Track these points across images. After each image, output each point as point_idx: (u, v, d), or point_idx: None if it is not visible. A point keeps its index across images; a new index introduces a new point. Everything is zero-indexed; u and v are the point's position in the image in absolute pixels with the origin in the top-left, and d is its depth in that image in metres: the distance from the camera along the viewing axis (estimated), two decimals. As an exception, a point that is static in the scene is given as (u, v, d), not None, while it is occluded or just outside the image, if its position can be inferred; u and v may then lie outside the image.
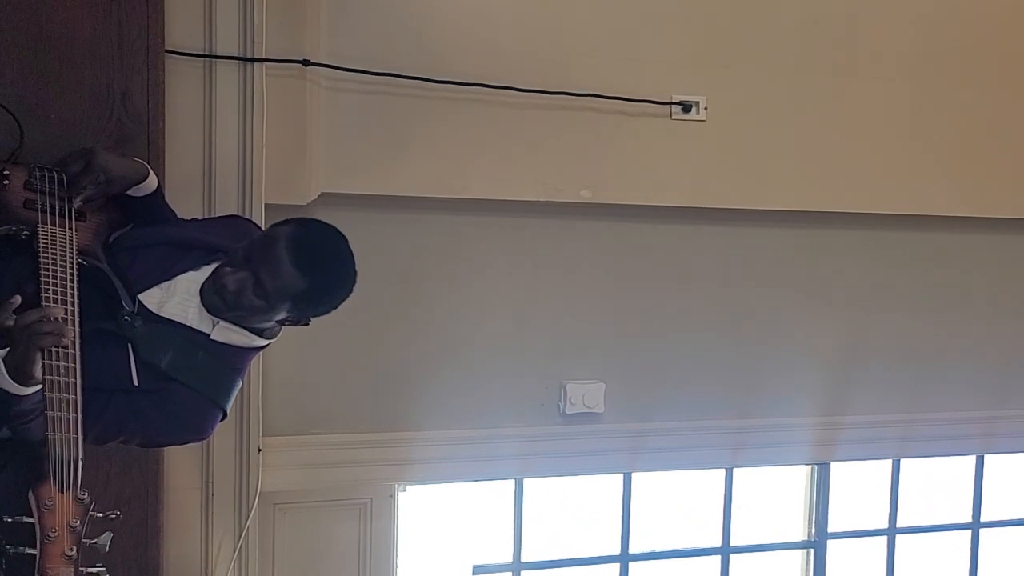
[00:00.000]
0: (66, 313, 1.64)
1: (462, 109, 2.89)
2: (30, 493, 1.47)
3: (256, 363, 2.71)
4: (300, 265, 1.78)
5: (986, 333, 3.69)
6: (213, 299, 1.83)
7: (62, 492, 1.49)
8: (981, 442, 3.84)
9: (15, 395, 1.63)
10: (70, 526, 1.48)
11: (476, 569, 3.43)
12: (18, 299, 1.63)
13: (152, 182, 2.00)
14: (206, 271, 1.89)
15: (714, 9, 3.14)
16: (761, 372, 3.44)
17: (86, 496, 1.51)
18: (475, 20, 2.91)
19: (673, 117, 3.09)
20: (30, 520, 1.46)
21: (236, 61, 2.60)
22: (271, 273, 1.78)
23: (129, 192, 1.97)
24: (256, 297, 1.79)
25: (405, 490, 3.28)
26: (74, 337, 1.62)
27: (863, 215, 3.40)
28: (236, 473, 2.78)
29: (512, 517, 3.43)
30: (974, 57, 3.42)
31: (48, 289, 1.67)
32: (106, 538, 1.53)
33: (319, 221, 1.91)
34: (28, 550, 1.45)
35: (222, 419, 1.93)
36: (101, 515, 1.53)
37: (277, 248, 1.79)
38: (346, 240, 1.89)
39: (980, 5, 3.42)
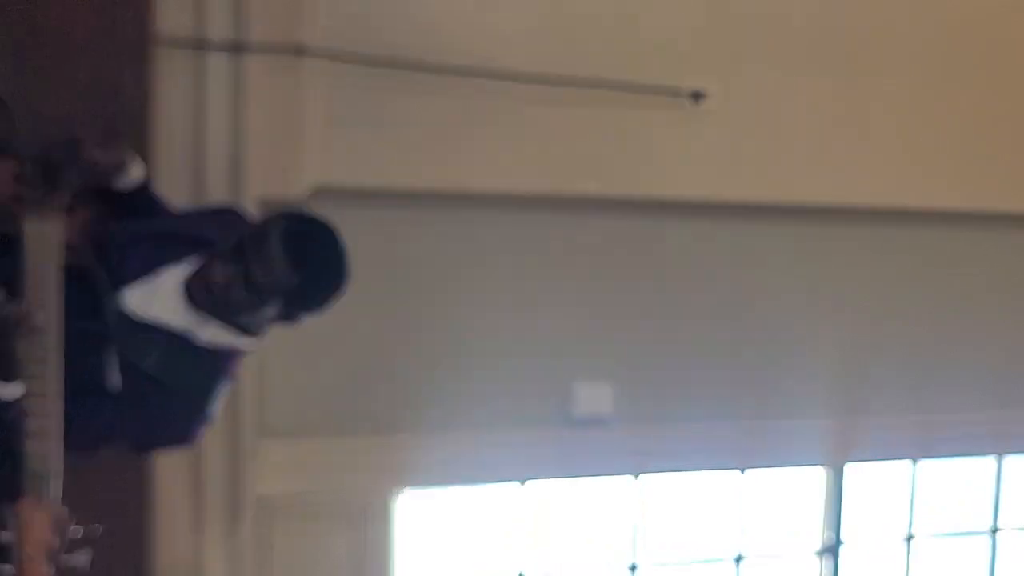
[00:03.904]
0: (48, 315, 1.61)
1: (463, 99, 2.86)
2: (7, 508, 1.45)
3: (252, 364, 2.68)
4: (293, 260, 1.73)
5: (1007, 332, 3.69)
6: (199, 293, 1.79)
7: (39, 507, 1.46)
8: (1000, 443, 3.83)
9: (3, 401, 1.60)
10: (47, 542, 1.45)
11: (478, 576, 3.38)
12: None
13: (139, 174, 1.97)
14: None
15: (724, -1, 3.11)
16: (773, 372, 3.41)
17: (64, 511, 1.49)
18: (477, 8, 2.89)
19: (683, 107, 3.05)
20: (7, 536, 1.44)
21: (228, 51, 2.57)
22: (262, 267, 1.73)
23: (116, 185, 1.94)
24: (246, 292, 1.74)
25: (403, 494, 3.23)
26: (56, 342, 1.59)
27: (881, 211, 3.39)
28: (230, 477, 2.77)
29: (517, 523, 3.37)
30: (989, 52, 3.40)
31: (32, 287, 1.63)
32: (85, 554, 1.50)
33: (312, 215, 1.87)
34: (5, 567, 1.43)
35: (208, 424, 1.89)
36: (80, 529, 1.51)
37: (269, 241, 1.74)
38: (340, 235, 1.84)
39: (986, 1, 3.41)
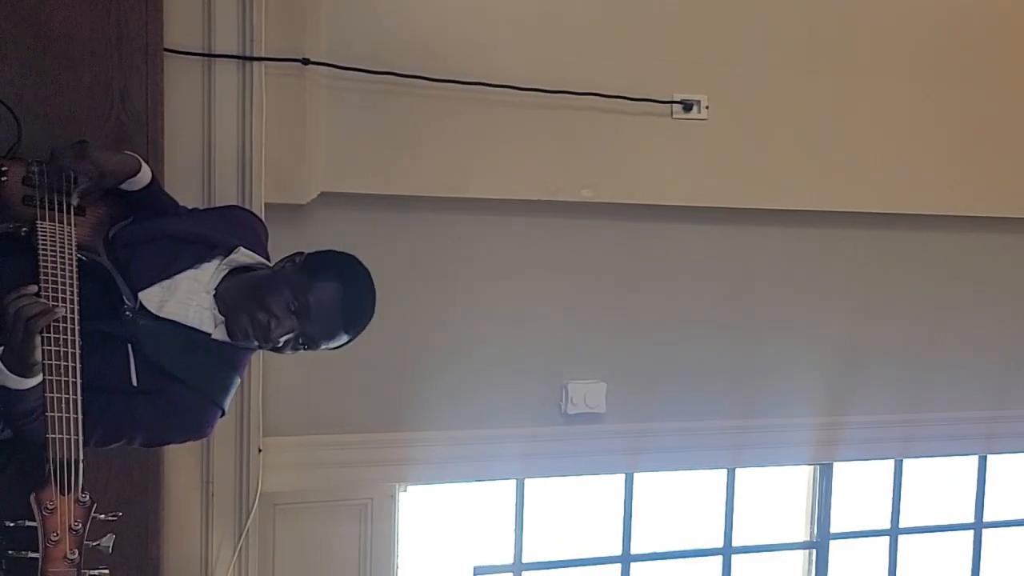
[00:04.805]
0: (66, 310, 1.63)
1: (462, 108, 2.89)
2: (32, 496, 1.46)
3: (256, 363, 2.72)
4: (348, 326, 1.87)
5: (988, 332, 3.69)
6: (249, 341, 1.84)
7: (63, 495, 1.48)
8: (984, 442, 3.84)
9: (17, 390, 1.63)
10: (72, 529, 1.47)
11: (477, 570, 3.42)
12: (34, 288, 1.62)
13: (146, 175, 1.97)
14: (207, 269, 1.89)
15: (715, 8, 3.14)
16: (763, 372, 3.43)
17: (87, 498, 1.50)
18: (475, 19, 2.91)
19: (674, 116, 3.09)
20: (32, 524, 1.45)
21: (235, 60, 2.59)
22: (323, 332, 1.84)
23: (123, 186, 1.95)
24: (301, 347, 1.85)
25: (406, 490, 3.28)
26: (75, 336, 1.61)
27: (864, 214, 3.40)
28: (236, 473, 2.78)
29: (513, 517, 3.43)
30: (974, 57, 3.42)
31: (47, 287, 1.65)
32: (109, 540, 1.52)
33: (361, 267, 1.95)
34: (30, 554, 1.44)
35: (220, 416, 1.93)
36: (103, 517, 1.52)
37: (333, 312, 1.84)
38: (373, 282, 1.96)
39: (981, 4, 3.43)
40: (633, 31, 3.05)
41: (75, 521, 1.47)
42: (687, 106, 3.09)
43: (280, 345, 1.83)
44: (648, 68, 3.06)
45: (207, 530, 2.78)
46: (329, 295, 1.83)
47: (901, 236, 3.52)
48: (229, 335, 1.85)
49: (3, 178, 1.82)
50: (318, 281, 1.84)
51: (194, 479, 2.74)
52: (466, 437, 3.14)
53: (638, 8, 3.06)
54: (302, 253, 1.94)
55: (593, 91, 2.98)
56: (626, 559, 3.58)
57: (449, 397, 3.12)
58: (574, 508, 3.54)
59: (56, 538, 1.45)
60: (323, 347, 1.88)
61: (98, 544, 1.50)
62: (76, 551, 1.46)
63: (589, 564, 3.58)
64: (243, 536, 2.82)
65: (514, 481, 3.40)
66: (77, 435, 1.54)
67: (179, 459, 2.62)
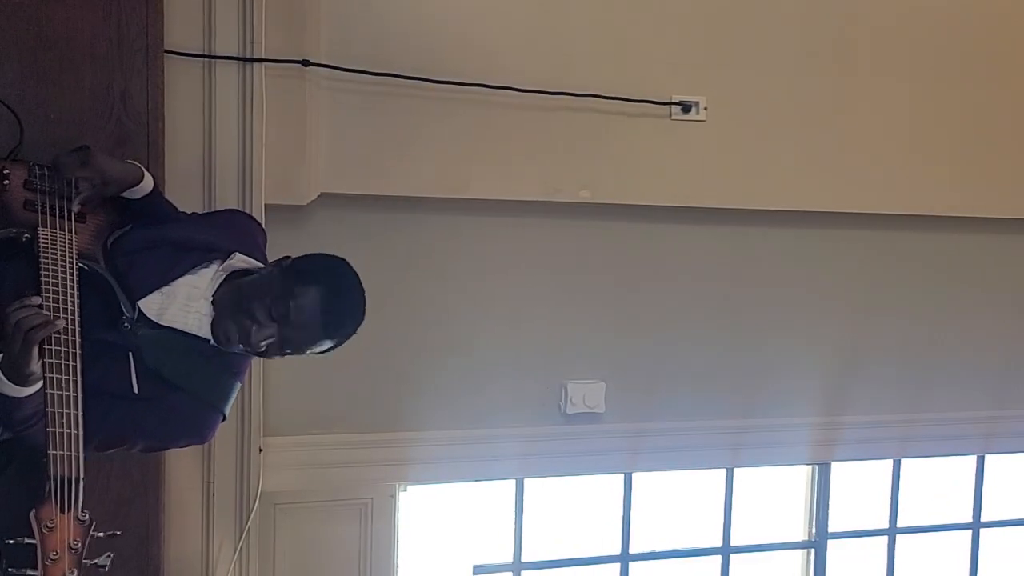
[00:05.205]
0: (67, 322, 1.62)
1: (462, 109, 2.89)
2: (32, 514, 1.46)
3: (257, 364, 2.72)
4: (329, 332, 1.83)
5: (987, 333, 3.70)
6: (232, 346, 1.82)
7: (63, 512, 1.47)
8: (982, 442, 3.84)
9: (15, 398, 1.63)
10: (71, 547, 1.47)
11: (477, 569, 3.44)
12: (37, 300, 1.62)
13: (148, 184, 1.97)
14: (204, 275, 1.89)
15: (714, 9, 3.14)
16: (761, 372, 3.44)
17: (87, 517, 1.50)
18: (475, 20, 2.91)
19: (673, 117, 3.10)
20: (32, 542, 1.45)
21: (235, 61, 2.60)
22: (304, 339, 1.82)
23: (125, 194, 1.95)
24: (281, 351, 1.83)
25: (406, 490, 3.29)
26: (76, 349, 1.60)
27: (863, 215, 3.41)
28: (237, 473, 2.78)
29: (513, 517, 3.44)
30: (974, 57, 3.42)
31: (49, 294, 1.64)
32: (107, 559, 1.52)
33: (347, 270, 1.90)
34: (30, 572, 1.44)
35: (222, 421, 1.94)
36: (102, 535, 1.52)
37: (314, 318, 1.80)
38: (362, 287, 1.91)
39: (980, 5, 3.42)
40: (632, 33, 3.05)
41: (74, 540, 1.47)
42: (686, 107, 3.09)
43: (263, 350, 1.81)
44: (647, 69, 3.06)
45: (207, 530, 2.78)
46: (310, 301, 1.80)
47: (901, 236, 3.53)
48: (213, 338, 1.83)
49: (6, 182, 1.81)
50: (299, 287, 1.81)
51: (194, 479, 2.74)
52: (466, 437, 3.15)
53: (637, 9, 3.06)
54: (289, 257, 1.91)
55: (592, 92, 2.98)
56: (625, 558, 3.60)
57: (449, 397, 3.13)
58: (573, 507, 3.55)
59: (55, 556, 1.44)
60: (308, 352, 1.85)
61: (96, 562, 1.50)
62: (75, 570, 1.46)
63: (588, 563, 3.60)
64: (243, 536, 2.83)
65: (513, 481, 3.41)
66: (78, 452, 1.52)
67: (179, 459, 2.62)
